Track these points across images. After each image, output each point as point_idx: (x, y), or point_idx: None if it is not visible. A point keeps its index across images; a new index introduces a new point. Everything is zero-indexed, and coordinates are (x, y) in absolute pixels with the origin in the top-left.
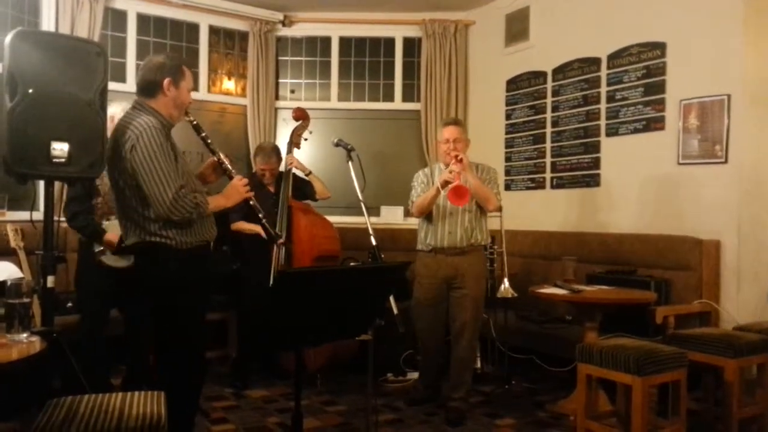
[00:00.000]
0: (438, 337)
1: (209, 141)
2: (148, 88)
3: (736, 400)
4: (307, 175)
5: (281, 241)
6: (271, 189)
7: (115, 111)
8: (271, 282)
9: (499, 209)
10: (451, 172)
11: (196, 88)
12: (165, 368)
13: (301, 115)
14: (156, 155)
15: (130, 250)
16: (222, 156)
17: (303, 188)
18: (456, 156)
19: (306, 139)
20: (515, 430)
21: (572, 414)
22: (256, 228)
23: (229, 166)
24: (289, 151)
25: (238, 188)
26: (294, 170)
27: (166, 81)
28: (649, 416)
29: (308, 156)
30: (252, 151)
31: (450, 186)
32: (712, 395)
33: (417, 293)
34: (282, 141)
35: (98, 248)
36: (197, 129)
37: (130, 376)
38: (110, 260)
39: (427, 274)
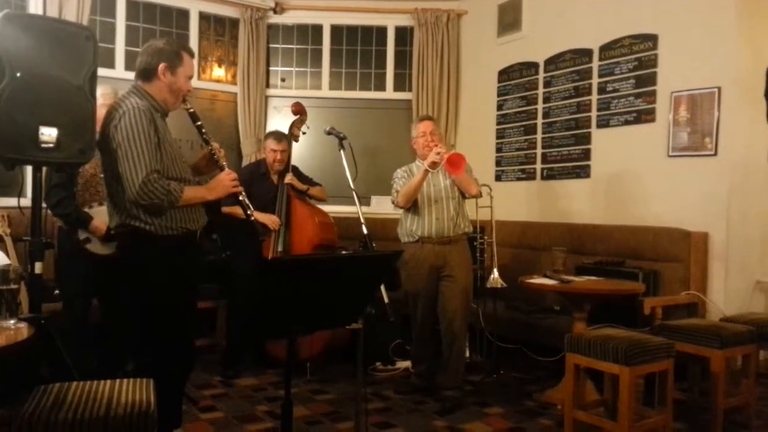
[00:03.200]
0: (430, 326)
1: (204, 131)
2: (145, 71)
3: (721, 391)
4: (306, 191)
5: (264, 237)
6: (275, 180)
7: None
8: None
9: (480, 195)
10: (438, 154)
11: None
12: (144, 355)
13: (299, 110)
14: (134, 136)
15: (114, 234)
16: (216, 147)
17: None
18: (436, 146)
19: (304, 133)
20: (503, 419)
21: (560, 403)
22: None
23: (221, 159)
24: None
25: (224, 182)
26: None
27: (161, 66)
28: (636, 406)
29: (300, 144)
30: (242, 139)
31: (445, 158)
32: (697, 385)
33: (406, 284)
34: (272, 129)
35: (83, 235)
36: (193, 117)
37: (101, 363)
38: (95, 248)
39: (414, 264)
